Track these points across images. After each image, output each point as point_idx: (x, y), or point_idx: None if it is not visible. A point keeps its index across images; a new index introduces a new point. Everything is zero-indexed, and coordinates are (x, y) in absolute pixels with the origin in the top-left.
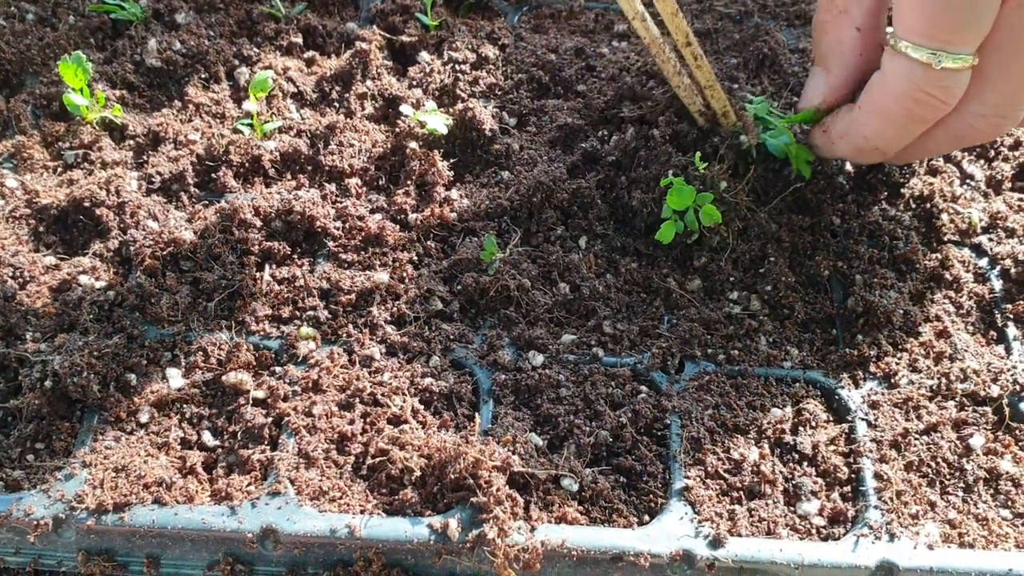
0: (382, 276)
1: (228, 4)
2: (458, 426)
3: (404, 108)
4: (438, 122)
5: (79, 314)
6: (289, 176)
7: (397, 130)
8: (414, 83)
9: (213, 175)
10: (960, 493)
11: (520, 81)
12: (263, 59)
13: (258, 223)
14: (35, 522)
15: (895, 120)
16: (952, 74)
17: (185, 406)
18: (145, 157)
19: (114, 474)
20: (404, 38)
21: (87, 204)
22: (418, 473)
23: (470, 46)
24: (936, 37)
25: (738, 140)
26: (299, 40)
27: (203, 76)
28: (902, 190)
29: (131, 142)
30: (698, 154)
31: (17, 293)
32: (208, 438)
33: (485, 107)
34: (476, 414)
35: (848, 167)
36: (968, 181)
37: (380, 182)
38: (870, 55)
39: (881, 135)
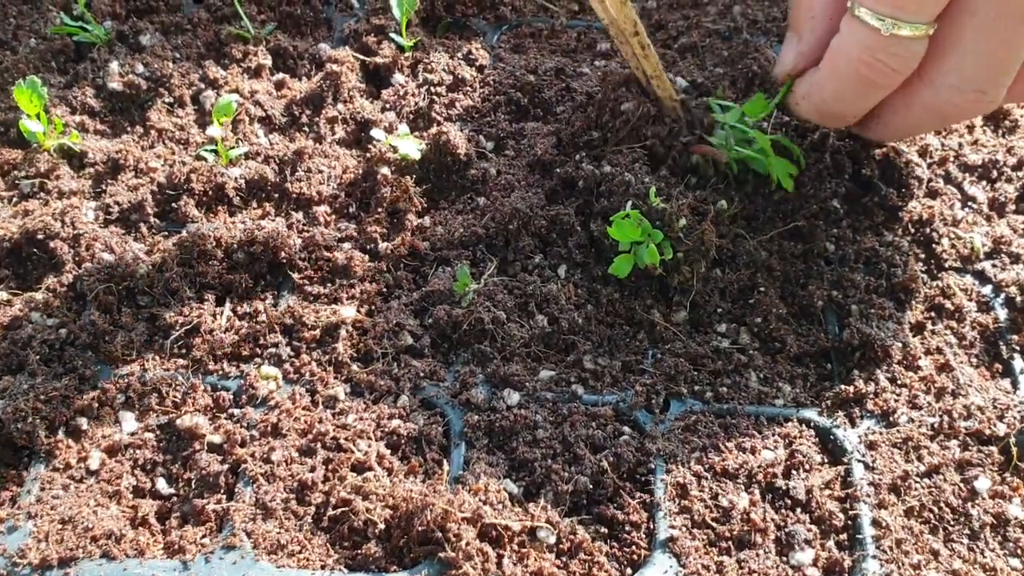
0: (348, 310)
1: (196, 25)
2: (427, 472)
3: (376, 132)
4: (410, 147)
5: (27, 354)
6: (255, 204)
7: (368, 155)
8: (387, 106)
9: (174, 204)
10: (965, 541)
11: (498, 103)
12: (230, 82)
13: (219, 255)
14: None
15: (849, 84)
16: (903, 41)
17: (138, 452)
18: (104, 186)
19: (60, 526)
20: (378, 59)
21: (40, 236)
22: (382, 526)
23: (446, 67)
24: (891, 3)
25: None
26: (268, 62)
27: (167, 100)
28: (900, 214)
29: (90, 170)
30: (653, 189)
31: None
32: (163, 485)
33: (461, 131)
34: (446, 460)
35: (842, 189)
36: (970, 204)
37: (350, 209)
38: (840, 21)
39: (838, 98)
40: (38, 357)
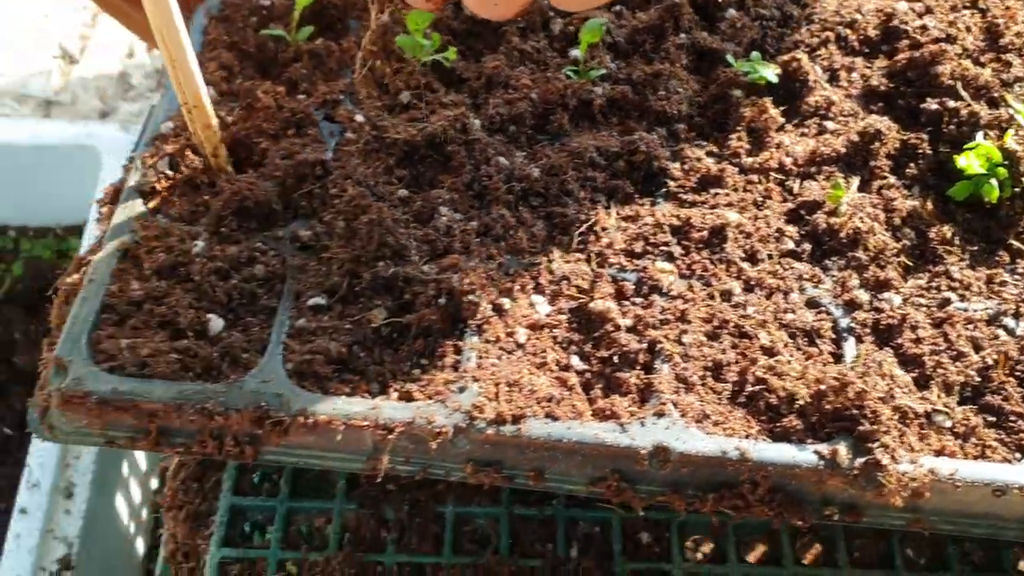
0: (733, 214)
1: None
2: (824, 362)
3: (728, 58)
4: (768, 71)
5: (451, 240)
6: (615, 121)
7: (720, 79)
8: (726, 37)
9: (550, 118)
10: None
11: (826, 40)
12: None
13: (603, 162)
14: (437, 430)
15: None
16: None
17: (555, 331)
18: (480, 99)
19: (507, 388)
20: None
21: (438, 141)
22: (801, 401)
23: (775, 3)
24: None
25: None
26: None
27: (520, 25)
28: None
29: (465, 86)
30: (1010, 132)
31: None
32: (576, 362)
33: (811, 61)
34: (841, 351)
35: None
36: None
37: (705, 129)
38: None
39: None
40: (460, 244)
